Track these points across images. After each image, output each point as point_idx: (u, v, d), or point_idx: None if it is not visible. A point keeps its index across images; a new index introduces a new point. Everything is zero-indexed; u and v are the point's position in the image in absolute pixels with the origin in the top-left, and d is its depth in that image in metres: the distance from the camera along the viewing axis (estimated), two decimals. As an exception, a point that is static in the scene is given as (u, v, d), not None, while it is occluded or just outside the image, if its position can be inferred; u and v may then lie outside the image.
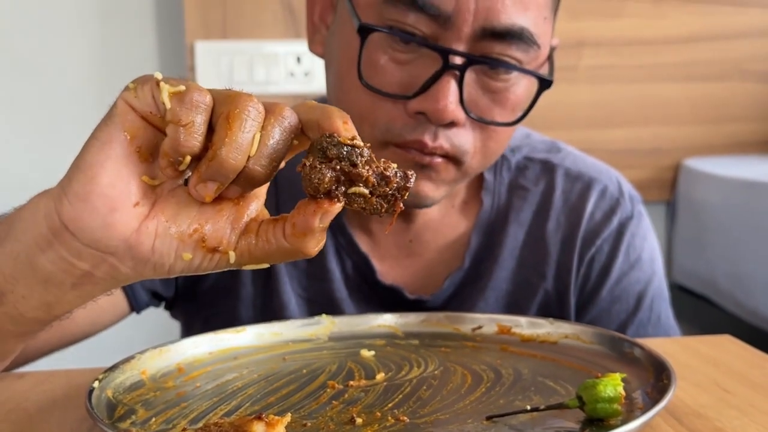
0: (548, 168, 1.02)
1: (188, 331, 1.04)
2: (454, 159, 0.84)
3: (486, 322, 0.84)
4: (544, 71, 0.88)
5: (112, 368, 0.69)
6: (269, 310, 0.97)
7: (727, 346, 0.84)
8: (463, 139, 0.84)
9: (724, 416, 0.65)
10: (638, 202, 1.03)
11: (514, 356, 0.78)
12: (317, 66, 1.92)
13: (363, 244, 0.98)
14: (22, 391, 0.74)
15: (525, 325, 0.82)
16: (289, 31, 1.92)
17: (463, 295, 0.98)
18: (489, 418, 0.62)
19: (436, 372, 0.74)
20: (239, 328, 0.80)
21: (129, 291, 0.96)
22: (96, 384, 0.65)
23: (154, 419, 0.64)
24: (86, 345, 1.01)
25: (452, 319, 0.85)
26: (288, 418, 0.54)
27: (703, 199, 1.99)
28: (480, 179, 1.00)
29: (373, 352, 0.79)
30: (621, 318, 0.99)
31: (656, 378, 0.66)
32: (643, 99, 2.14)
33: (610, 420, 0.60)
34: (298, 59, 1.91)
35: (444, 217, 0.99)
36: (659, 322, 1.01)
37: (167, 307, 1.06)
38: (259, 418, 0.53)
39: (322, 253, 0.95)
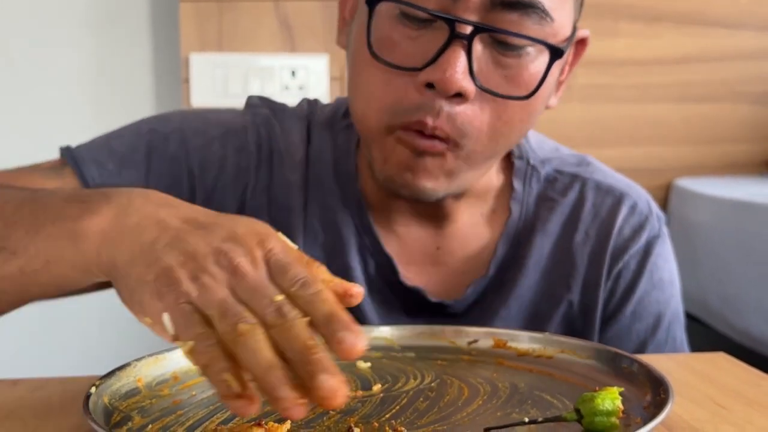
0: (578, 181, 1.00)
1: None
2: (453, 142, 0.82)
3: (482, 336, 0.84)
4: (561, 61, 0.85)
5: (109, 375, 0.68)
6: None
7: (721, 364, 0.85)
8: (468, 117, 0.81)
9: (721, 432, 0.65)
10: (663, 223, 1.03)
11: (510, 370, 0.78)
12: (312, 80, 1.92)
13: (388, 245, 0.96)
14: (17, 397, 0.73)
15: (521, 340, 0.82)
16: (285, 45, 1.93)
17: (485, 302, 0.96)
18: (487, 430, 0.62)
19: (432, 384, 0.74)
20: None
21: None
22: (93, 390, 0.64)
23: (150, 426, 0.63)
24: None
25: (448, 333, 0.85)
26: (287, 425, 0.54)
27: (695, 219, 2.00)
28: (509, 189, 0.99)
29: (369, 364, 0.78)
30: (641, 337, 0.98)
31: (653, 393, 0.66)
32: (636, 119, 2.15)
33: None
34: (293, 73, 1.91)
35: (473, 226, 0.98)
36: (675, 344, 1.01)
37: None
38: (258, 424, 0.53)
39: (344, 251, 0.94)
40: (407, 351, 0.83)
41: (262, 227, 0.59)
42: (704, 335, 1.92)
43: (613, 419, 0.60)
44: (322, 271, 0.59)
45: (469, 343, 0.84)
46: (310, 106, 1.02)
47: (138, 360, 0.72)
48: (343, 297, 0.58)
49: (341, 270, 0.94)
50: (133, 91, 1.98)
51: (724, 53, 2.17)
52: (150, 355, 0.73)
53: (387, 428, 0.63)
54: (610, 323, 0.99)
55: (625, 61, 2.13)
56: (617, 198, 1.00)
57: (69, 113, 1.95)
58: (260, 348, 0.51)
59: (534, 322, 0.96)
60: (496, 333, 0.84)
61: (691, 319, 1.99)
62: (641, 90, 2.15)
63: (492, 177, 0.98)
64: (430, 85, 0.79)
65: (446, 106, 0.80)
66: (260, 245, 0.57)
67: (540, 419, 0.63)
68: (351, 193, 0.95)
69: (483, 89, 0.80)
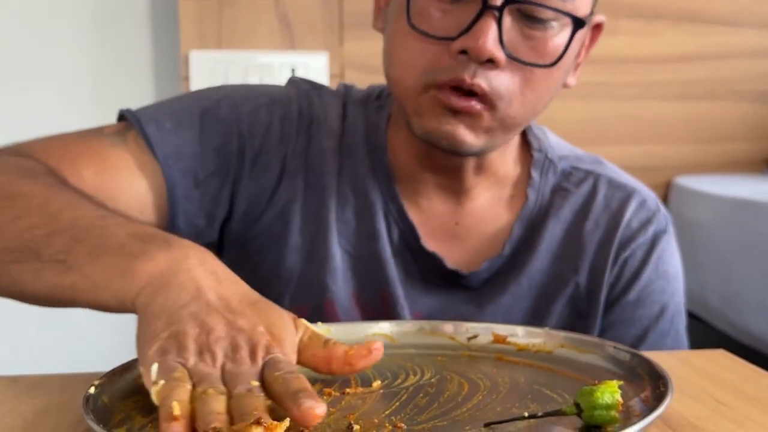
0: (592, 176, 1.07)
1: None
2: (490, 102, 0.88)
3: (482, 331, 0.84)
4: (581, 36, 0.92)
5: (109, 374, 0.68)
6: (315, 260, 1.00)
7: (721, 361, 0.85)
8: (501, 81, 0.87)
9: (720, 428, 0.65)
10: (670, 222, 1.08)
11: (509, 365, 0.78)
12: (311, 77, 1.92)
13: (412, 214, 1.02)
14: (16, 395, 0.73)
15: (520, 335, 0.83)
16: (285, 42, 1.93)
17: (497, 279, 1.02)
18: (487, 425, 0.61)
19: (432, 380, 0.74)
20: None
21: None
22: (92, 390, 0.64)
23: (150, 425, 0.63)
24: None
25: (448, 329, 0.85)
26: (286, 423, 0.54)
27: (694, 217, 2.00)
28: (526, 178, 1.05)
29: None
30: (644, 323, 1.03)
31: (653, 386, 0.66)
32: (636, 117, 2.15)
33: (607, 427, 0.60)
34: (293, 71, 1.91)
35: (491, 207, 1.04)
36: (677, 336, 1.05)
37: None
38: (257, 422, 0.53)
39: (371, 214, 1.01)
40: (407, 347, 0.83)
41: (281, 327, 0.68)
42: (704, 333, 1.92)
43: (613, 413, 0.60)
44: (340, 345, 0.70)
45: (469, 338, 0.84)
46: (345, 88, 1.09)
47: (136, 359, 0.72)
48: (368, 354, 0.70)
49: (369, 232, 1.01)
50: (133, 89, 1.98)
51: (724, 51, 2.17)
52: None
53: (387, 425, 0.63)
54: (613, 307, 1.03)
55: (625, 59, 2.13)
56: (628, 193, 1.06)
57: (69, 111, 1.95)
58: (216, 403, 0.57)
59: (542, 301, 1.01)
60: (495, 328, 0.84)
61: (691, 317, 1.99)
62: (641, 88, 2.15)
63: (511, 166, 1.04)
64: (463, 53, 0.86)
65: (480, 70, 0.86)
66: (267, 347, 0.65)
67: (540, 413, 0.63)
68: (380, 164, 1.02)
69: (511, 57, 0.87)
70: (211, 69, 1.89)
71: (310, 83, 1.08)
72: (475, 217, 1.03)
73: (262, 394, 0.60)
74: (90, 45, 1.96)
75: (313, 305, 0.99)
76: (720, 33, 2.16)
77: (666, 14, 2.13)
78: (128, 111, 0.98)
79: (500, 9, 0.84)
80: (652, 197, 1.08)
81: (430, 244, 1.01)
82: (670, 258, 1.06)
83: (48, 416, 0.68)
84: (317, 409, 0.58)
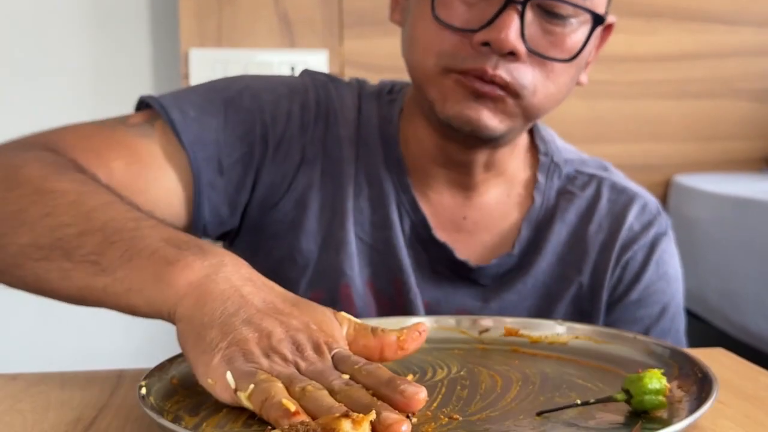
0: (596, 180, 1.10)
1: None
2: (513, 92, 0.90)
3: (492, 324, 0.86)
4: (597, 33, 0.95)
5: (149, 375, 0.68)
6: (332, 246, 1.01)
7: (720, 359, 0.85)
8: (522, 73, 0.90)
9: (719, 426, 0.65)
10: (670, 226, 1.11)
11: (529, 357, 0.80)
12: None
13: (423, 205, 1.03)
14: (16, 392, 0.73)
15: (533, 326, 0.85)
16: (284, 40, 1.93)
17: (505, 277, 1.04)
18: (540, 414, 0.63)
19: (462, 373, 0.75)
20: None
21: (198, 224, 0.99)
22: (144, 391, 0.64)
23: (205, 425, 0.62)
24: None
25: (459, 322, 0.87)
26: (372, 415, 0.54)
27: (693, 215, 2.00)
28: (533, 180, 1.07)
29: None
30: (645, 323, 1.06)
31: (682, 372, 0.69)
32: (635, 115, 2.15)
33: (655, 412, 0.62)
34: (292, 69, 1.91)
35: (497, 204, 1.06)
36: (677, 336, 1.08)
37: (228, 242, 1.08)
38: (346, 415, 0.53)
39: (384, 204, 1.03)
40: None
41: (329, 323, 0.69)
42: (703, 331, 1.92)
43: (661, 397, 0.62)
44: (389, 331, 0.70)
45: (481, 332, 0.85)
46: (359, 82, 1.11)
47: (170, 360, 0.72)
48: (419, 336, 0.70)
49: (383, 221, 1.03)
50: (132, 87, 1.98)
51: (723, 50, 2.17)
52: (181, 354, 0.72)
53: (442, 416, 0.63)
54: (616, 307, 1.06)
55: (624, 58, 2.13)
56: (630, 197, 1.09)
57: (69, 108, 1.95)
58: (327, 398, 0.58)
59: (546, 300, 1.04)
60: (506, 322, 0.86)
61: (690, 315, 1.99)
62: (640, 86, 2.15)
63: (518, 165, 1.07)
64: (485, 45, 0.88)
65: (502, 62, 0.88)
66: (327, 344, 0.66)
67: (592, 401, 0.64)
68: (393, 156, 1.04)
69: (532, 51, 0.89)
70: (210, 67, 1.89)
71: (326, 75, 1.10)
72: (482, 213, 1.05)
73: (362, 388, 0.60)
74: (90, 43, 1.96)
75: (329, 291, 1.00)
76: (719, 32, 2.16)
77: (665, 13, 2.13)
78: (151, 97, 0.99)
79: (523, 4, 0.87)
80: (653, 201, 1.11)
81: (440, 235, 1.03)
82: (670, 259, 1.09)
83: (47, 413, 0.68)
84: (420, 393, 0.59)
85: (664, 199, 2.16)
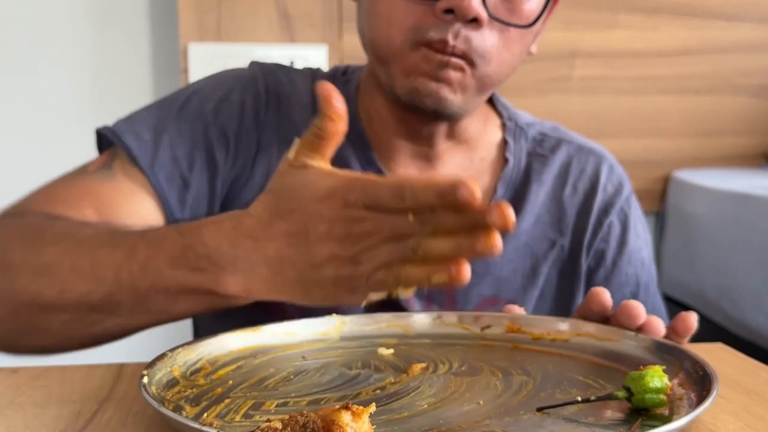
0: (563, 143, 1.13)
1: None
2: (470, 61, 0.92)
3: (494, 320, 0.85)
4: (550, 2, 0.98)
5: (151, 365, 0.68)
6: None
7: (720, 354, 0.85)
8: (481, 41, 0.92)
9: (719, 421, 0.65)
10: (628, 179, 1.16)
11: (530, 354, 0.79)
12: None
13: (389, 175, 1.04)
14: (17, 386, 0.73)
15: (535, 323, 0.84)
16: (283, 35, 1.93)
17: None
18: (540, 410, 0.63)
19: (463, 368, 0.74)
20: (256, 328, 0.80)
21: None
22: (145, 380, 0.64)
23: (206, 415, 0.62)
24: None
25: (461, 318, 0.86)
26: (372, 407, 0.54)
27: (693, 210, 2.00)
28: (503, 143, 1.10)
29: (391, 350, 0.80)
30: (634, 280, 1.09)
31: (683, 369, 0.68)
32: (635, 110, 2.15)
33: (656, 410, 0.62)
34: (292, 63, 1.91)
35: (464, 170, 1.07)
36: (657, 292, 1.13)
37: None
38: (346, 407, 0.53)
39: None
40: (422, 337, 0.84)
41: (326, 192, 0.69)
42: (701, 326, 1.91)
43: (662, 396, 0.62)
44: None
45: (483, 328, 0.85)
46: (312, 69, 1.12)
47: (172, 350, 0.72)
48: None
49: None
50: (132, 82, 1.98)
51: (723, 45, 2.17)
52: (182, 345, 0.73)
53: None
54: (609, 269, 1.09)
55: (623, 53, 2.13)
56: (598, 158, 1.13)
57: (68, 104, 1.95)
58: (437, 241, 0.62)
59: (531, 261, 1.06)
60: (509, 317, 0.85)
61: (688, 310, 2.00)
62: (640, 82, 2.15)
63: (484, 132, 1.09)
64: (448, 12, 0.90)
65: (463, 30, 0.90)
66: (345, 204, 0.66)
67: (593, 398, 0.64)
68: (355, 132, 1.02)
69: (493, 17, 0.92)
70: (209, 62, 1.88)
71: (275, 63, 1.11)
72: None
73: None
74: (89, 37, 1.96)
75: None
76: (719, 27, 2.16)
77: (665, 8, 2.13)
78: (106, 128, 1.00)
79: None
80: (612, 157, 1.15)
81: None
82: (639, 215, 1.13)
83: (48, 407, 0.68)
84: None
85: (663, 195, 2.17)
